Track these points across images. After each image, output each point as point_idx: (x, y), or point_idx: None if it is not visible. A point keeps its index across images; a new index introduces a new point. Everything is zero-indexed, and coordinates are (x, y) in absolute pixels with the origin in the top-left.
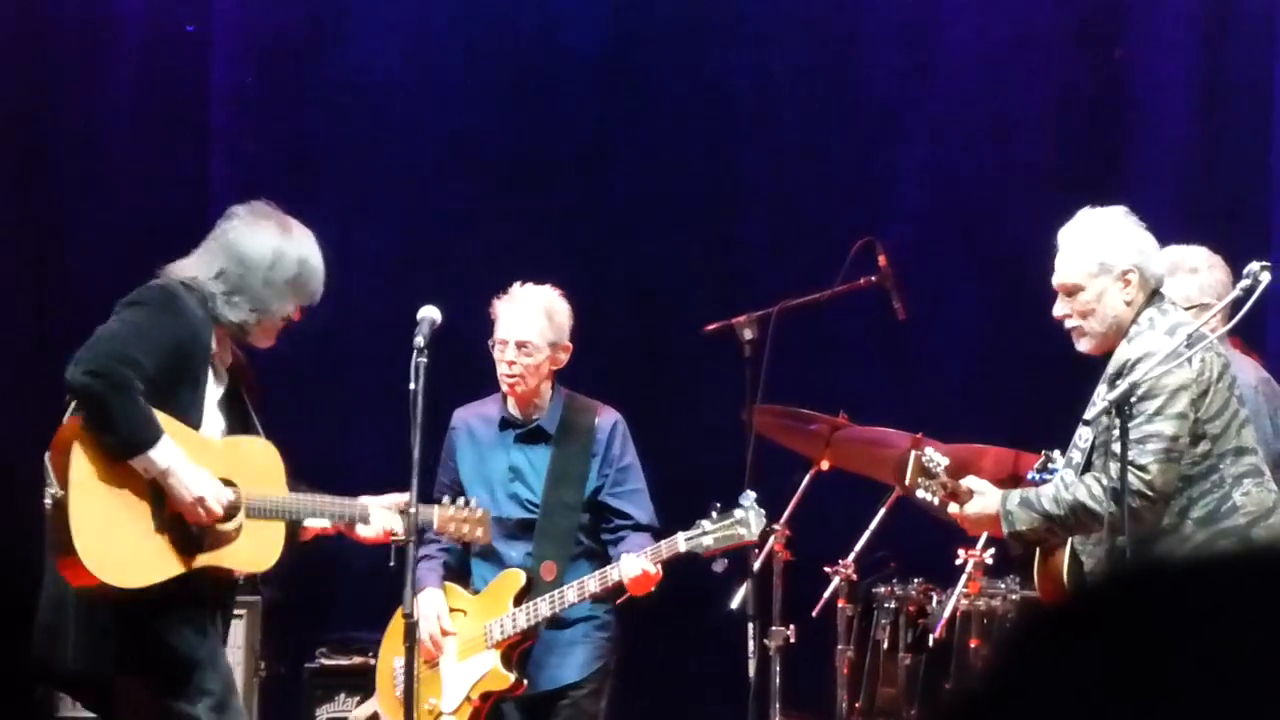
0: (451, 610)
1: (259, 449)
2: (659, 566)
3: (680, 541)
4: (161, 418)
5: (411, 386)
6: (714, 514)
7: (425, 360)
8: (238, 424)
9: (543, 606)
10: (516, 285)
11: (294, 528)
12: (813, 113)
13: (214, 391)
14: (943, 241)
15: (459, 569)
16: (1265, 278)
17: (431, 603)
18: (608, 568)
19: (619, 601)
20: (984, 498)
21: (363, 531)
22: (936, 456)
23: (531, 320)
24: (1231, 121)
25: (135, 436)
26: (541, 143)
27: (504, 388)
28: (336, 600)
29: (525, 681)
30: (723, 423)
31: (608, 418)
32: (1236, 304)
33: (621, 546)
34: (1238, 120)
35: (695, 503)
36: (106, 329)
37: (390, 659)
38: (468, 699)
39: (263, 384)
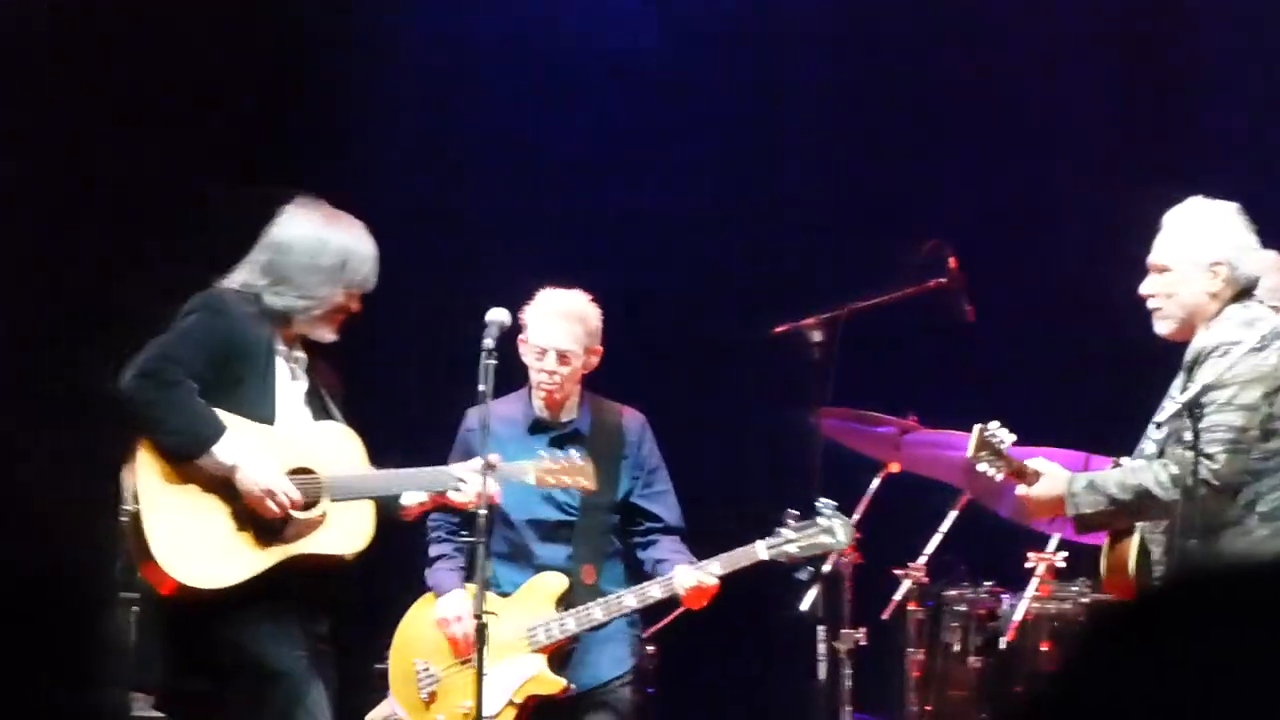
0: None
1: (337, 434)
2: (716, 579)
3: (760, 550)
4: (224, 415)
5: (480, 387)
6: (791, 521)
7: (494, 362)
8: (321, 416)
9: (596, 611)
10: (546, 291)
11: (388, 507)
12: (867, 114)
13: (292, 385)
14: (1006, 243)
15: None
16: None
17: (460, 603)
18: (669, 575)
19: (673, 616)
20: (1050, 479)
21: (456, 497)
22: (1001, 432)
23: (569, 328)
24: None
25: (194, 432)
26: (590, 145)
27: (540, 394)
28: (410, 601)
29: (571, 686)
30: (791, 426)
31: (634, 419)
32: None
33: (652, 551)
34: None
35: (763, 508)
36: (155, 339)
37: (408, 659)
38: (511, 703)
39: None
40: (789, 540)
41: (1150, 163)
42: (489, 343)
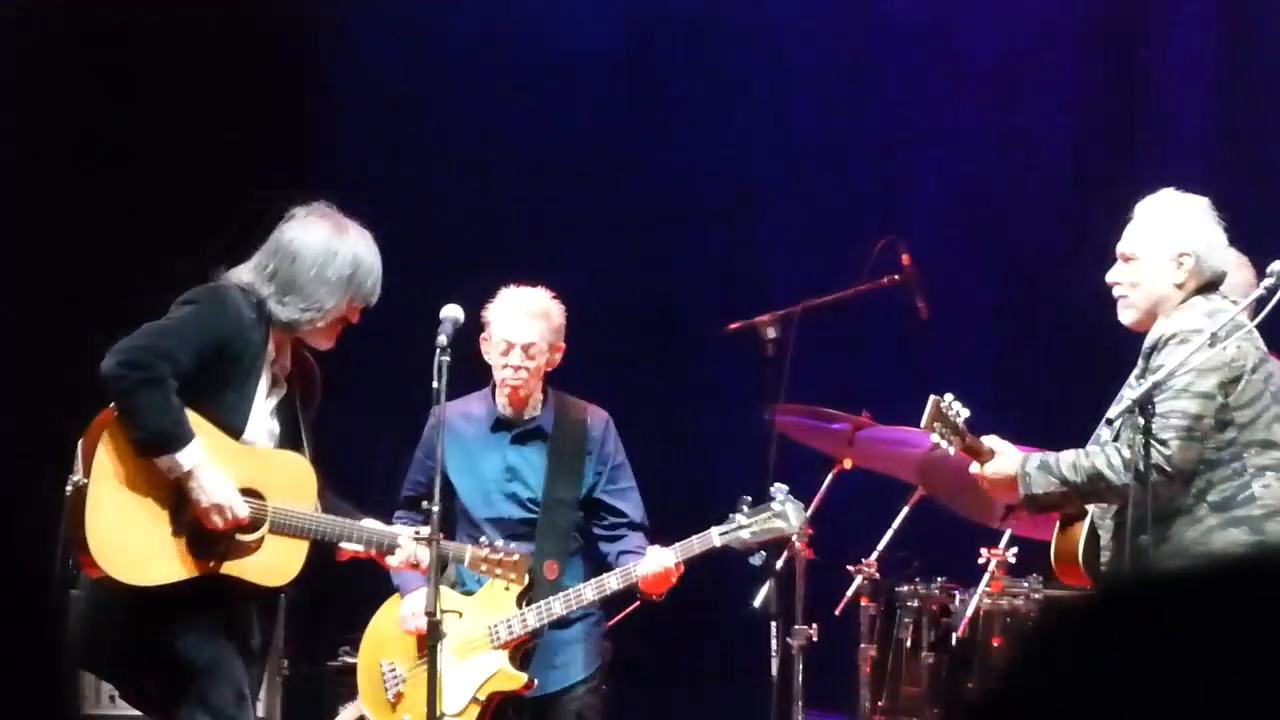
0: (444, 612)
1: (293, 464)
2: (679, 565)
3: (714, 536)
4: (197, 420)
5: (435, 385)
6: (745, 508)
7: (448, 359)
8: (288, 434)
9: (556, 605)
10: (509, 289)
11: (324, 545)
12: (830, 113)
13: (266, 398)
14: (963, 241)
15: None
16: None
17: (420, 603)
18: (629, 565)
19: (630, 609)
20: (1004, 458)
21: (390, 560)
22: (958, 406)
23: (534, 323)
24: (1251, 122)
25: (163, 434)
26: (557, 143)
27: (504, 390)
28: (359, 599)
29: (534, 681)
30: (744, 422)
31: (598, 416)
32: (1260, 302)
33: (618, 545)
34: (1257, 120)
35: (717, 503)
36: (152, 324)
37: (375, 659)
38: (474, 700)
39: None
40: (742, 526)
41: (1109, 162)
42: (443, 340)
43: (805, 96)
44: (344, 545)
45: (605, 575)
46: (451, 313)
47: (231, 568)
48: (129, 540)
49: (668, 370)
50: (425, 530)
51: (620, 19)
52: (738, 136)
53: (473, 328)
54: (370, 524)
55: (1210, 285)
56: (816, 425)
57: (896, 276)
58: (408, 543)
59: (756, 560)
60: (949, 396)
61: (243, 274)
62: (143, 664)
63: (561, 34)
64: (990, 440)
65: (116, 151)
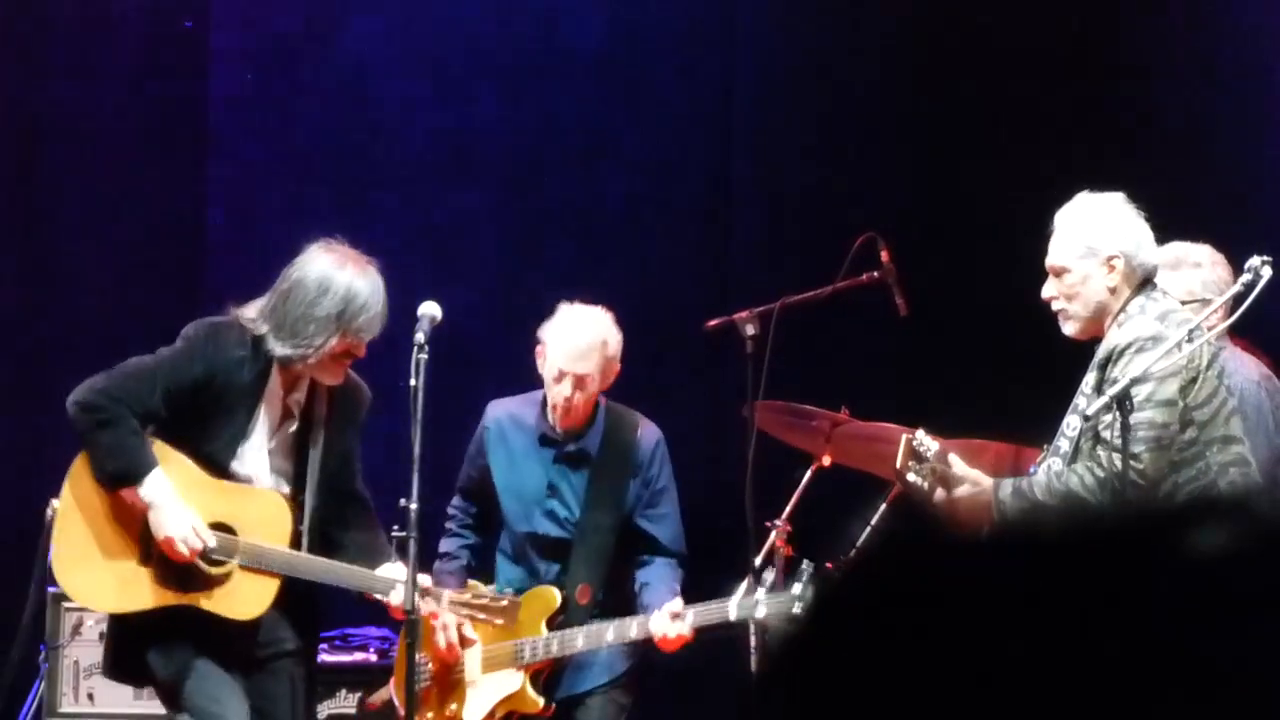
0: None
1: (268, 501)
2: (689, 631)
3: (731, 609)
4: (171, 454)
5: (412, 383)
6: (767, 582)
7: (426, 356)
8: (299, 468)
9: (578, 640)
10: (570, 308)
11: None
12: (810, 109)
13: (274, 433)
14: (943, 237)
15: (480, 567)
16: (1266, 272)
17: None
18: (647, 617)
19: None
20: (975, 486)
21: (393, 598)
22: (928, 441)
23: (591, 355)
24: (1229, 116)
25: (118, 472)
26: (538, 141)
27: (556, 414)
28: (336, 597)
29: (554, 705)
30: (723, 419)
31: (650, 435)
32: (1238, 299)
33: (642, 572)
34: (1235, 115)
35: (696, 501)
36: (129, 362)
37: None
38: (491, 714)
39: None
40: (758, 603)
41: (1088, 159)
42: (420, 338)
43: (784, 93)
44: (379, 598)
45: (626, 621)
46: (429, 310)
47: (199, 599)
48: (94, 567)
49: (645, 367)
50: (423, 578)
51: (603, 17)
52: (716, 134)
53: (452, 325)
54: (350, 567)
55: (1147, 281)
56: (795, 422)
57: (876, 274)
58: (396, 592)
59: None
60: (920, 433)
61: (250, 310)
62: (131, 674)
63: (543, 31)
64: (960, 467)
65: None
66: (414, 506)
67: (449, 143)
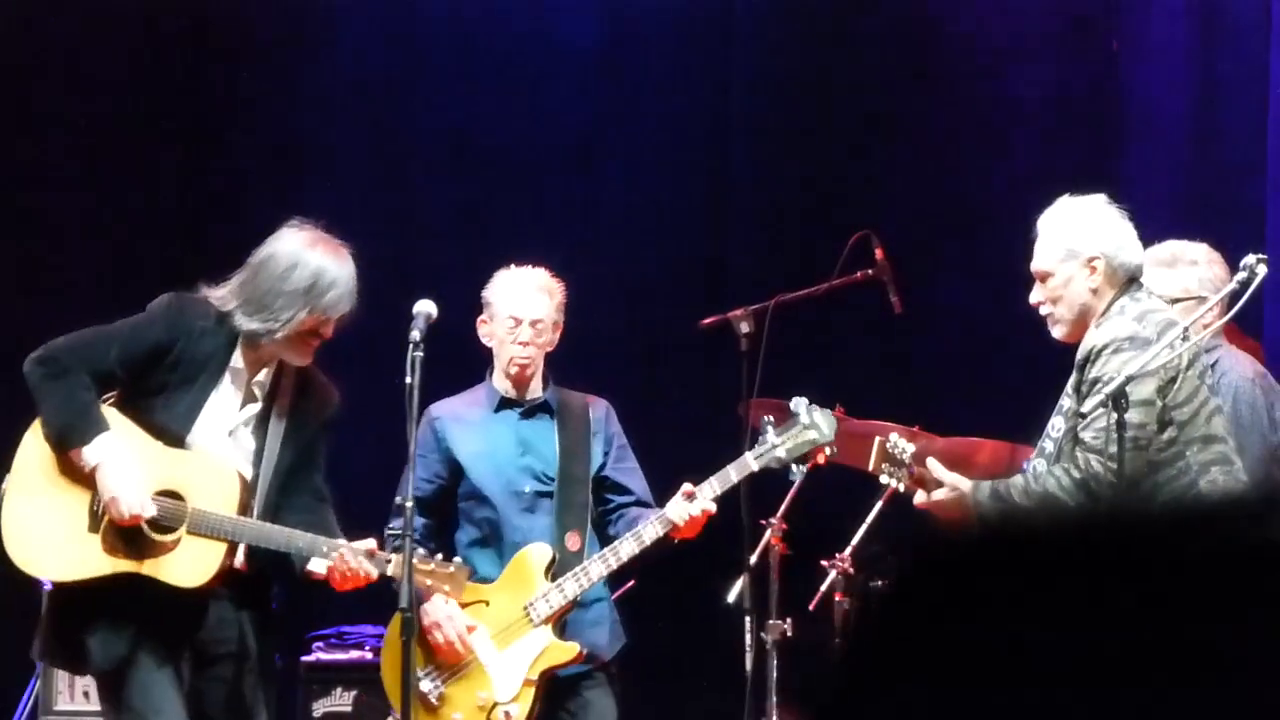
0: (467, 605)
1: (220, 469)
2: (712, 505)
3: (750, 461)
4: (122, 420)
5: (407, 380)
6: (771, 428)
7: (421, 354)
8: (251, 451)
9: (593, 569)
10: (509, 268)
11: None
12: (806, 108)
13: (228, 405)
14: (938, 236)
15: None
16: (1262, 270)
17: (441, 606)
18: (662, 512)
19: (625, 587)
20: (953, 490)
21: (313, 567)
22: (903, 443)
23: (541, 298)
24: (1226, 117)
25: (65, 427)
26: (534, 138)
27: (511, 369)
28: (332, 595)
29: (583, 651)
30: (719, 417)
31: (600, 402)
32: (1233, 297)
33: (626, 518)
34: (1232, 116)
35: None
36: (87, 329)
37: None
38: (526, 681)
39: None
40: (775, 445)
41: (1085, 159)
42: (416, 335)
43: (780, 91)
44: (310, 567)
45: (640, 526)
46: (424, 307)
47: (146, 566)
48: (42, 534)
49: (641, 365)
50: (368, 543)
51: (598, 14)
52: (712, 131)
53: (448, 322)
54: (295, 530)
55: (1131, 280)
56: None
57: (871, 271)
58: (349, 549)
59: (795, 476)
60: (894, 436)
61: (219, 288)
62: (71, 663)
63: (538, 28)
64: (938, 471)
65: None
66: (410, 504)
67: (442, 139)
